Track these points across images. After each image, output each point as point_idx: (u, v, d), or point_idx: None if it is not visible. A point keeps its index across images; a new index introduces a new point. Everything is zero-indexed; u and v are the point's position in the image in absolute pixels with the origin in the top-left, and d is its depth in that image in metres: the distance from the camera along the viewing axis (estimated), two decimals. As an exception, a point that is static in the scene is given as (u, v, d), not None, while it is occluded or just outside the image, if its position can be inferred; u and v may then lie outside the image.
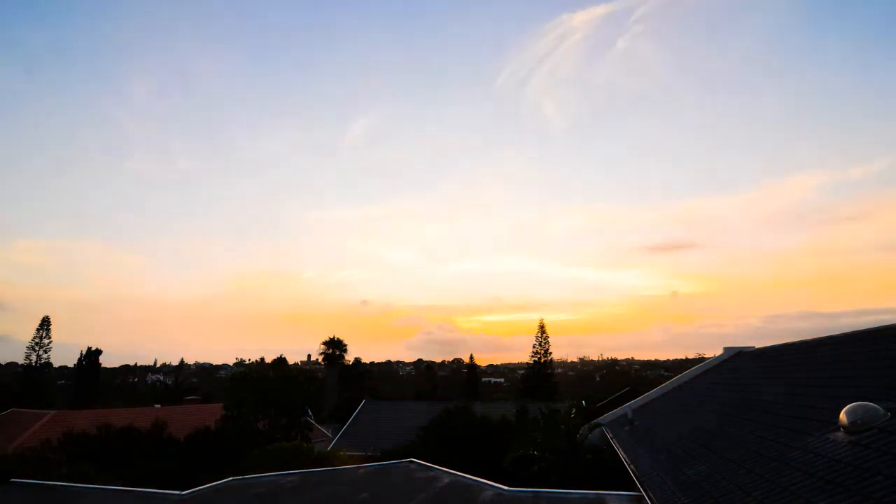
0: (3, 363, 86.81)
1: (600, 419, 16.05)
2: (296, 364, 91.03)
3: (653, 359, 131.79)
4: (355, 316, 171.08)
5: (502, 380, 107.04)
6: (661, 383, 18.12)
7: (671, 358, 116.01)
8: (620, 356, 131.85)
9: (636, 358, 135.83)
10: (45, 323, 53.23)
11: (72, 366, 61.90)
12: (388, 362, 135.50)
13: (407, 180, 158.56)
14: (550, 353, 55.00)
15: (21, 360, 54.67)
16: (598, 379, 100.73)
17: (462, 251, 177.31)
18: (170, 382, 67.54)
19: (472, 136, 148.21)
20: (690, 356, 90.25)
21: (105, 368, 69.26)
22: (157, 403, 36.54)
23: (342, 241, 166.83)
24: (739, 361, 15.15)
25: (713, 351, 24.77)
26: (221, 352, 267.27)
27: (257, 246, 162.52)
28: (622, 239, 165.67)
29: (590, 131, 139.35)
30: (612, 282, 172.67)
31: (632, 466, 9.19)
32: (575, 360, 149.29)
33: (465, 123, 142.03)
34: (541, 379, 53.28)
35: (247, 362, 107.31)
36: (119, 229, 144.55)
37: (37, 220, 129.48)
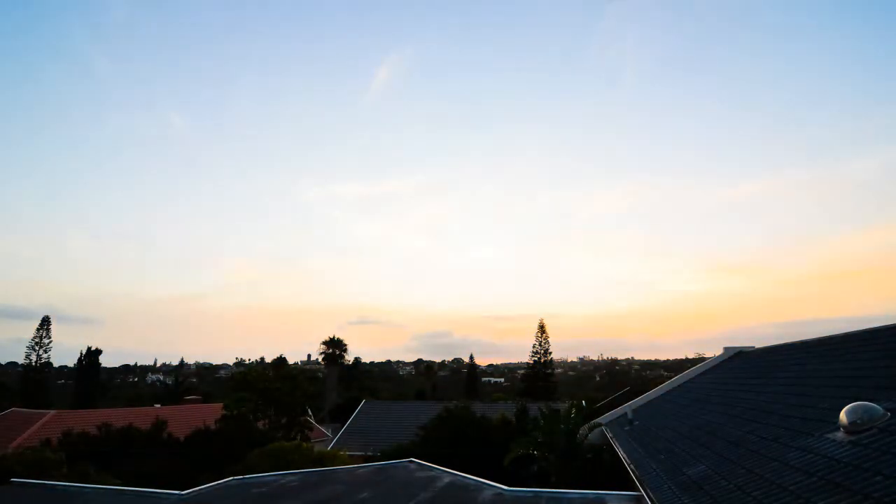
0: (4, 363, 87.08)
1: (600, 419, 16.05)
2: (296, 364, 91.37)
3: (653, 359, 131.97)
4: (356, 315, 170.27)
5: (502, 380, 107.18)
6: (661, 383, 18.12)
7: (671, 358, 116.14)
8: (620, 356, 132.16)
9: (636, 358, 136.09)
10: (45, 323, 53.29)
11: (72, 366, 62.00)
12: (388, 362, 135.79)
13: (424, 150, 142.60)
14: (550, 353, 55.05)
15: (21, 360, 54.81)
16: (598, 379, 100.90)
17: (466, 244, 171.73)
18: (170, 382, 67.58)
19: (514, 88, 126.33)
20: (690, 356, 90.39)
21: (105, 368, 69.40)
22: (157, 403, 36.55)
23: (346, 226, 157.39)
24: (739, 361, 15.16)
25: (713, 351, 24.75)
26: (221, 352, 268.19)
27: (257, 235, 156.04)
28: (647, 231, 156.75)
29: (669, 81, 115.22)
30: (622, 279, 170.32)
31: (632, 466, 9.19)
32: (575, 360, 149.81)
33: (510, 72, 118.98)
34: (540, 379, 53.29)
35: (247, 362, 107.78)
36: (104, 215, 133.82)
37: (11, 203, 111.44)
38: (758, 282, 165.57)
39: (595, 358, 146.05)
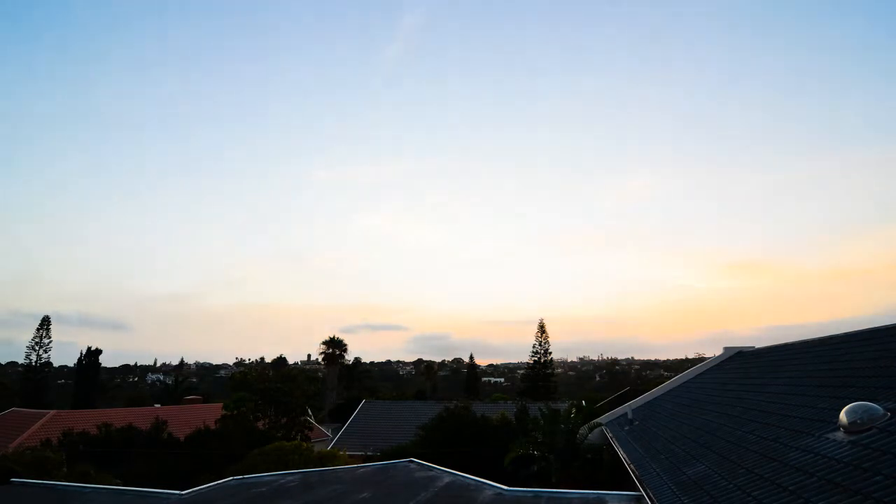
0: (4, 363, 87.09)
1: (600, 419, 16.06)
2: (296, 364, 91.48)
3: (653, 359, 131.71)
4: (356, 315, 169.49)
5: (502, 380, 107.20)
6: (661, 383, 18.13)
7: (671, 358, 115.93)
8: (620, 356, 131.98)
9: (636, 358, 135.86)
10: (45, 322, 53.28)
11: (72, 366, 61.99)
12: (388, 362, 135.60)
13: (426, 146, 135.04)
14: (550, 353, 54.99)
15: (21, 360, 54.84)
16: (598, 379, 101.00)
17: (467, 244, 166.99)
18: (170, 382, 67.51)
19: (513, 87, 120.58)
20: (690, 356, 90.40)
21: (105, 368, 69.36)
22: (157, 403, 36.60)
23: (347, 220, 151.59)
24: (739, 361, 15.16)
25: (713, 351, 24.73)
26: (221, 352, 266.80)
27: (257, 234, 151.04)
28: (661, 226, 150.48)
29: (671, 79, 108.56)
30: (623, 279, 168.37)
31: (632, 466, 9.19)
32: (575, 360, 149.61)
33: (511, 69, 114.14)
34: (541, 379, 53.25)
35: (247, 362, 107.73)
36: (103, 214, 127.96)
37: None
38: (758, 282, 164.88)
39: (595, 358, 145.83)
